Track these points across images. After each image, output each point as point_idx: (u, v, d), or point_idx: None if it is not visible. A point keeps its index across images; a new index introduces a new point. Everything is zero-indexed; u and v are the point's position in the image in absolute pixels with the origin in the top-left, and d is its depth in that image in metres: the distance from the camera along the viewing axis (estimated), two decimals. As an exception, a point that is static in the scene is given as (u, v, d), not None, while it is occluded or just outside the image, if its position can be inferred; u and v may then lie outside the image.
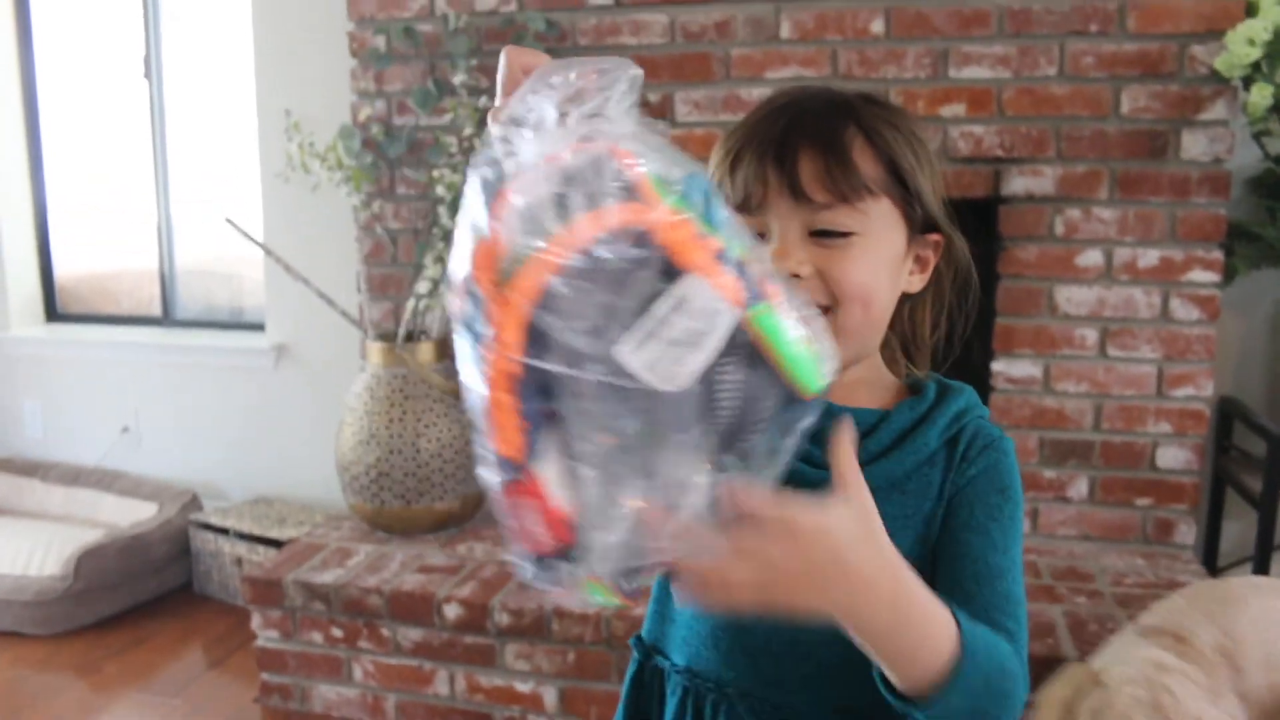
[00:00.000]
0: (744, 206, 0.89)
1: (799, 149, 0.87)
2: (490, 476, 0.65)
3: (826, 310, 0.88)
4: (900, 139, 0.90)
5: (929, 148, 0.94)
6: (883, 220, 0.89)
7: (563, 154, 0.61)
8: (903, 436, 0.93)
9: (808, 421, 0.67)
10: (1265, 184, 2.58)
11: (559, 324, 0.59)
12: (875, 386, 0.97)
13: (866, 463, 0.90)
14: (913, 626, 0.71)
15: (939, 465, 0.92)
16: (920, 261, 0.95)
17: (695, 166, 0.64)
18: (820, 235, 0.88)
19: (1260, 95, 2.30)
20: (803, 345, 0.65)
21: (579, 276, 0.59)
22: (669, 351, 0.61)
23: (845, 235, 0.87)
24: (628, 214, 0.60)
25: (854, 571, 0.68)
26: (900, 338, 1.01)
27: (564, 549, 0.64)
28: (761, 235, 0.89)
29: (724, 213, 0.64)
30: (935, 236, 0.94)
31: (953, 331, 1.03)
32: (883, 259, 0.89)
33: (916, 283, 0.96)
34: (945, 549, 0.89)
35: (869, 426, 0.94)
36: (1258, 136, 2.49)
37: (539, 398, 0.62)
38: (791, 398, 0.66)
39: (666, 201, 0.61)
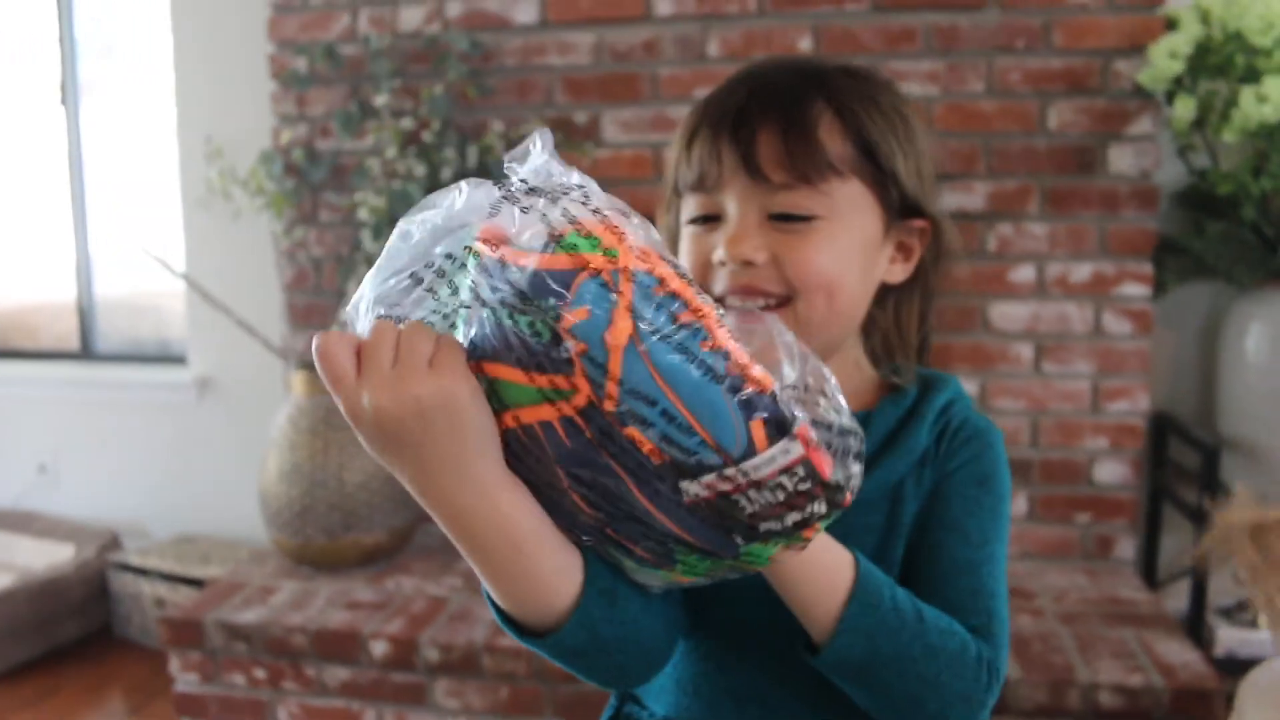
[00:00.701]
0: (699, 186, 0.83)
1: (758, 124, 0.80)
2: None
3: (785, 301, 0.81)
4: (877, 115, 0.82)
5: (915, 126, 0.85)
6: (851, 203, 0.81)
7: None
8: (891, 438, 0.86)
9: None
10: (1191, 198, 2.59)
11: None
12: (853, 385, 0.89)
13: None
14: (790, 579, 0.73)
15: (929, 463, 0.86)
16: (903, 249, 0.87)
17: None
18: (780, 219, 0.80)
19: (1184, 108, 2.30)
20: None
21: None
22: None
23: (807, 219, 0.80)
24: None
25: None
26: (882, 332, 0.92)
27: None
28: (716, 217, 0.83)
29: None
30: (920, 223, 0.86)
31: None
32: (850, 245, 0.81)
33: (899, 272, 0.87)
34: (918, 546, 0.83)
35: None
36: (1182, 151, 2.50)
37: None
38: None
39: None
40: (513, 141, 2.70)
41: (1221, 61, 2.29)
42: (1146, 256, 2.51)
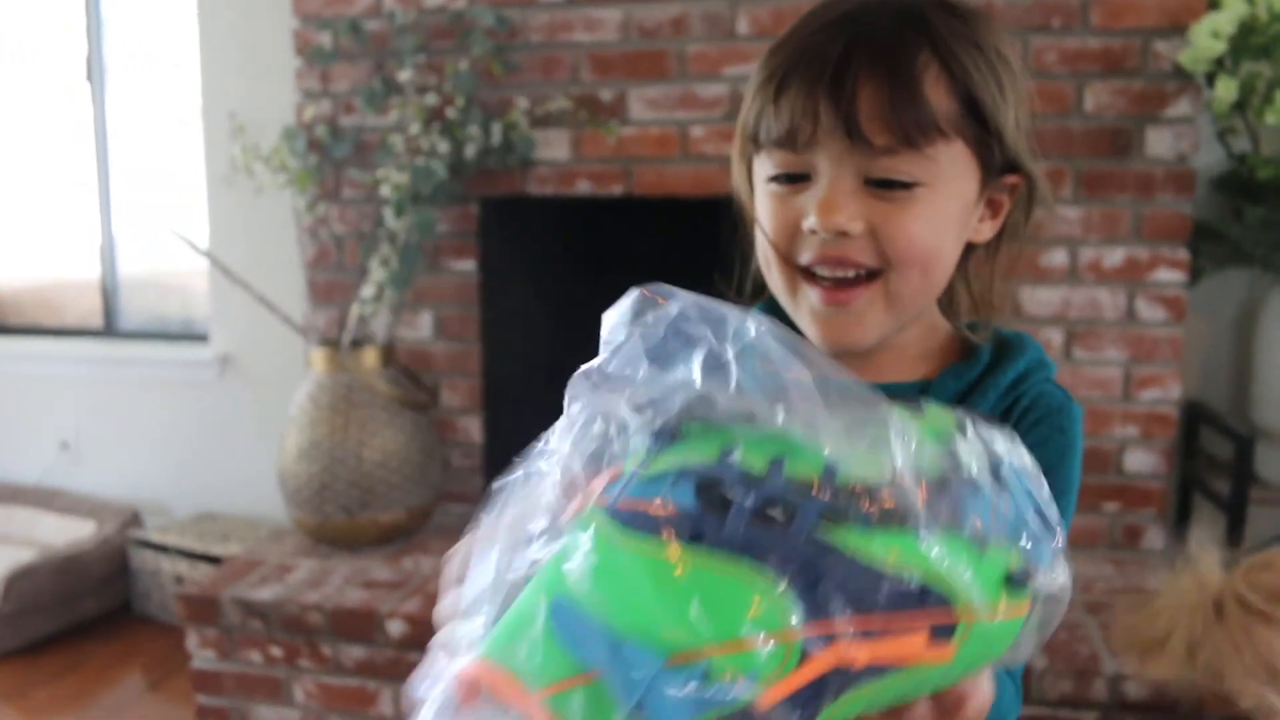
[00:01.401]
0: (788, 142, 0.74)
1: (859, 77, 0.71)
2: None
3: (876, 274, 0.75)
4: (983, 63, 0.74)
5: (1016, 69, 0.77)
6: (954, 167, 0.74)
7: None
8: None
9: None
10: (1230, 183, 2.53)
11: None
12: (923, 350, 0.82)
13: None
14: None
15: None
16: (992, 206, 0.80)
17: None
18: (878, 185, 0.73)
19: (1225, 90, 2.25)
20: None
21: None
22: None
23: (908, 186, 0.72)
24: None
25: None
26: (962, 290, 0.84)
27: None
28: (807, 176, 0.75)
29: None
30: (1013, 178, 0.79)
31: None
32: (950, 213, 0.75)
33: (986, 230, 0.80)
34: None
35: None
36: (1222, 135, 2.45)
37: None
38: None
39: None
40: (537, 118, 2.67)
41: (1266, 42, 2.23)
42: (1182, 242, 2.46)
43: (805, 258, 0.76)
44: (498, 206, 2.77)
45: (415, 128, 2.60)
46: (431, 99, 2.62)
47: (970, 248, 0.81)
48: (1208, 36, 2.23)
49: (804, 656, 0.42)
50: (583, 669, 0.43)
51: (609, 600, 0.44)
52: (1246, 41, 2.24)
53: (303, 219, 2.85)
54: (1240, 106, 2.31)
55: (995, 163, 0.76)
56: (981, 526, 0.48)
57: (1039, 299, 2.51)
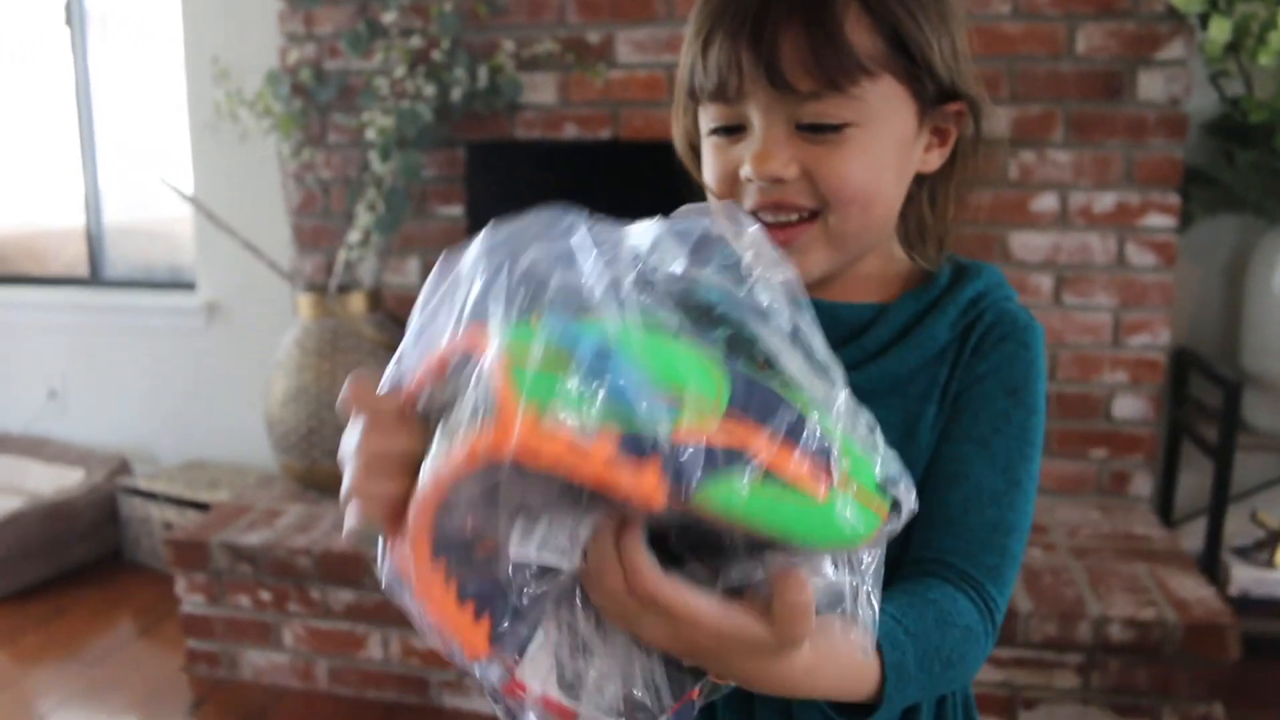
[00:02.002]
0: (719, 95, 0.75)
1: (779, 26, 0.72)
2: (484, 677, 0.55)
3: (815, 215, 0.76)
4: None
5: None
6: (885, 104, 0.74)
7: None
8: (906, 330, 0.80)
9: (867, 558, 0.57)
10: (1223, 127, 2.51)
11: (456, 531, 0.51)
12: (882, 277, 0.83)
13: (862, 362, 0.79)
14: (819, 691, 0.62)
15: (948, 361, 0.79)
16: (939, 134, 0.80)
17: (597, 332, 0.51)
18: (809, 129, 0.73)
19: (1218, 30, 2.22)
20: (811, 506, 0.52)
21: (455, 508, 0.50)
22: (557, 528, 0.52)
23: (838, 128, 0.73)
24: (484, 447, 0.48)
25: (742, 674, 0.57)
26: (917, 219, 0.85)
27: None
28: (741, 128, 0.76)
29: (644, 386, 0.50)
30: (955, 106, 0.79)
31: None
32: (885, 150, 0.75)
33: (935, 159, 0.80)
34: (939, 463, 0.77)
35: (864, 324, 0.81)
36: (1215, 78, 2.42)
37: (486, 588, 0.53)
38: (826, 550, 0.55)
39: (536, 396, 0.48)
40: (524, 61, 2.64)
41: (1259, -19, 2.21)
42: (1173, 187, 2.44)
43: (747, 205, 0.77)
44: (484, 151, 2.74)
45: (400, 71, 2.57)
46: (416, 41, 2.59)
47: (923, 178, 0.82)
48: (1202, -24, 2.20)
49: (718, 427, 0.49)
50: (554, 344, 0.49)
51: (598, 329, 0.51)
52: (1241, -19, 2.22)
53: (288, 164, 2.82)
54: (1234, 48, 2.28)
55: (929, 94, 0.76)
56: (865, 433, 0.56)
57: (1029, 244, 2.50)
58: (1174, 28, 2.37)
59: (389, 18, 2.60)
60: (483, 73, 2.58)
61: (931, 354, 0.80)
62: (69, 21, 3.49)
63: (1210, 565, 2.40)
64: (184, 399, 3.40)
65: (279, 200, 2.93)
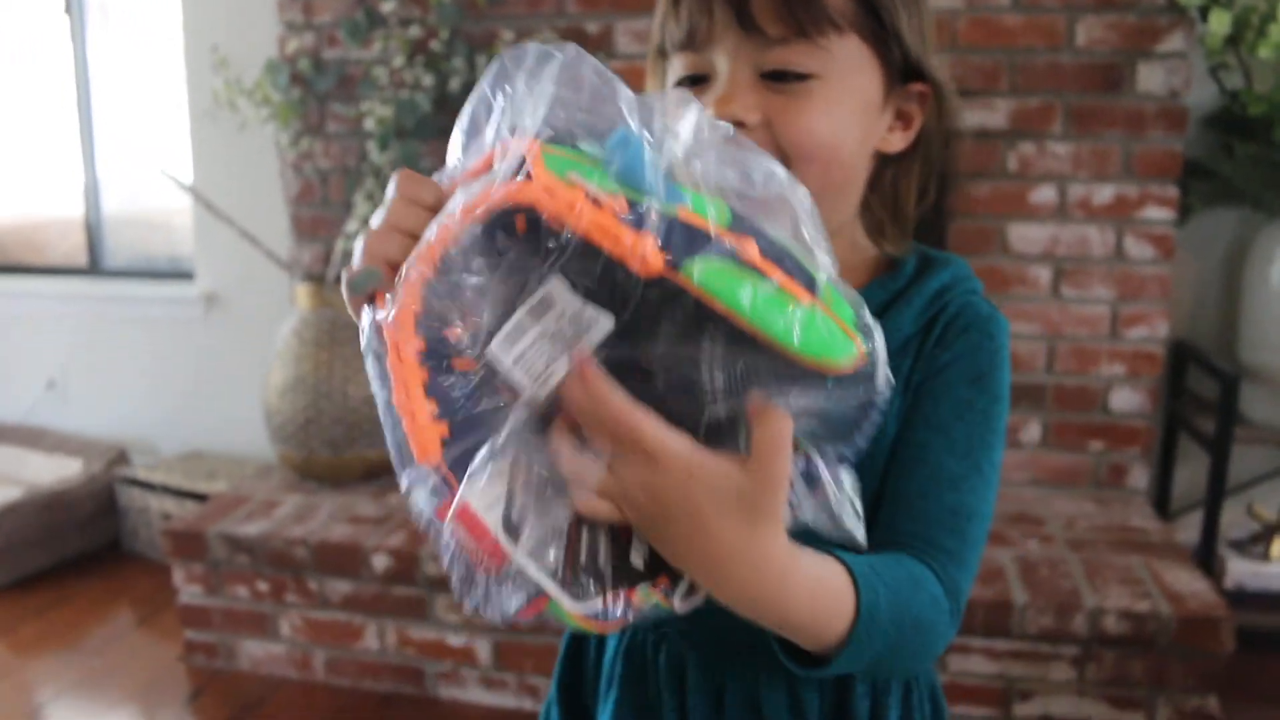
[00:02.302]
0: (688, 43, 0.76)
1: None
2: (418, 497, 0.56)
3: None
4: None
5: None
6: (851, 62, 0.74)
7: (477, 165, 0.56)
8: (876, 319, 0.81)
9: (851, 398, 0.57)
10: (1222, 120, 2.51)
11: (441, 318, 0.53)
12: (846, 265, 0.81)
13: None
14: (790, 609, 0.62)
15: (911, 352, 0.79)
16: (903, 117, 0.80)
17: (625, 130, 0.54)
18: (774, 78, 0.74)
19: (1218, 23, 2.22)
20: (790, 300, 0.53)
21: (455, 266, 0.52)
22: (538, 350, 0.53)
23: (803, 78, 0.73)
24: (507, 191, 0.51)
25: (713, 540, 0.57)
26: (879, 205, 0.85)
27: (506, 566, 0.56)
28: (705, 77, 0.76)
29: (658, 172, 0.54)
30: (920, 87, 0.79)
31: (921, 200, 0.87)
32: (849, 109, 0.75)
33: (897, 141, 0.81)
34: (900, 449, 0.77)
35: None
36: (1214, 71, 2.42)
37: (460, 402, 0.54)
38: (802, 373, 0.54)
39: (559, 171, 0.51)
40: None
41: (1259, -26, 2.20)
42: (1172, 179, 2.44)
43: None
44: (483, 142, 2.73)
45: (399, 60, 2.57)
46: (415, 31, 2.58)
47: (885, 161, 0.82)
48: (1202, -32, 2.19)
49: (715, 229, 0.53)
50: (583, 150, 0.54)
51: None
52: (1241, -27, 2.21)
53: (286, 154, 2.82)
54: (1233, 41, 2.28)
55: (896, 61, 0.77)
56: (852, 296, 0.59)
57: (1027, 236, 2.50)
58: (1174, 20, 2.37)
59: (388, 7, 2.59)
60: (481, 63, 2.57)
61: (896, 345, 0.79)
62: (68, 10, 3.48)
63: (1206, 558, 2.40)
64: (183, 389, 3.40)
65: (277, 190, 2.93)
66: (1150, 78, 2.41)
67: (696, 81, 0.77)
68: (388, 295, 0.54)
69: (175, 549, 2.44)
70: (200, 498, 2.96)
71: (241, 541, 2.38)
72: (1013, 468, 2.60)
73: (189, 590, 2.47)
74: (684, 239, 0.51)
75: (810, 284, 0.54)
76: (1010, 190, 2.49)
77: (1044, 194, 2.48)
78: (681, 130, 0.56)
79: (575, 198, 0.50)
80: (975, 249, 2.52)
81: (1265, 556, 2.44)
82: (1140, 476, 2.57)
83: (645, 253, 0.50)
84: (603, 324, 0.53)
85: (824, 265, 0.57)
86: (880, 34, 0.75)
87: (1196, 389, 2.64)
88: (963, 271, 0.83)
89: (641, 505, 0.56)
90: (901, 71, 0.78)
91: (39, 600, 2.90)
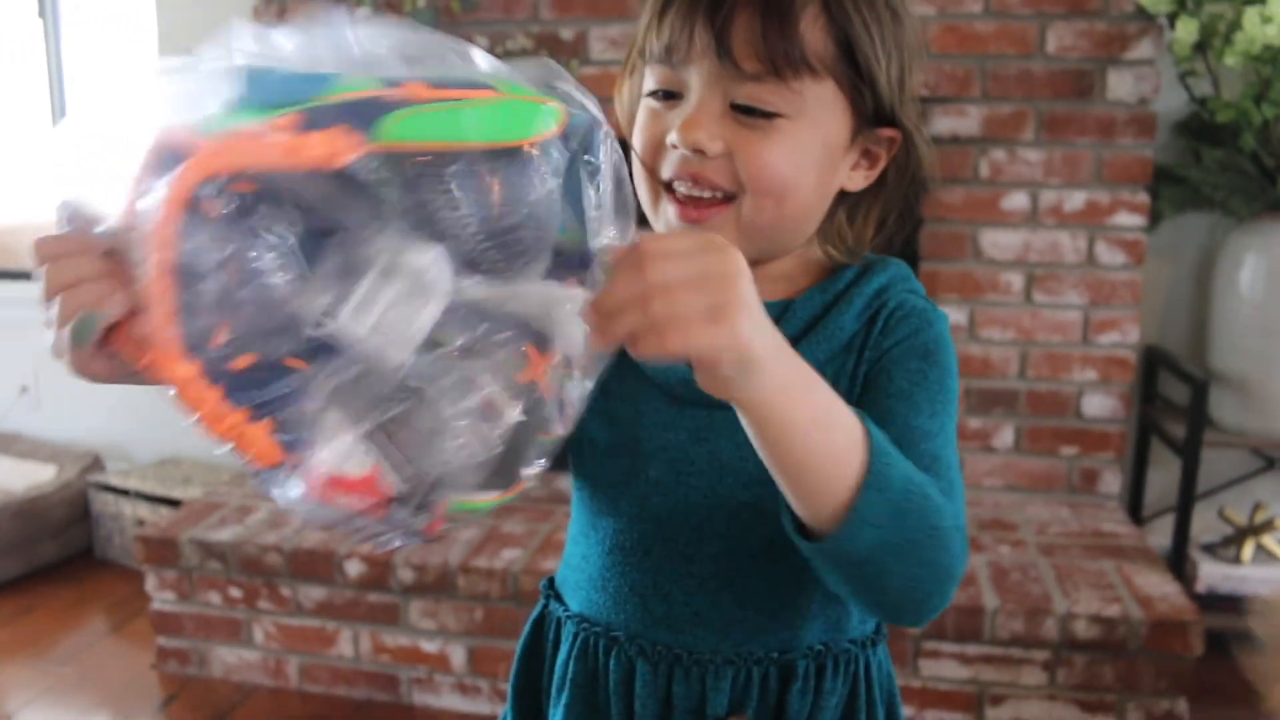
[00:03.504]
0: (666, 57, 0.77)
1: (738, 3, 0.74)
2: (283, 492, 0.55)
3: (730, 198, 0.76)
4: (869, 12, 0.76)
5: (906, 21, 0.79)
6: (821, 105, 0.75)
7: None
8: (813, 323, 0.81)
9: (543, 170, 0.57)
10: (1191, 127, 2.53)
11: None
12: (793, 274, 0.84)
13: None
14: (819, 408, 0.63)
15: (855, 349, 0.80)
16: (869, 156, 0.81)
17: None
18: (743, 111, 0.75)
19: (1185, 30, 2.24)
20: (475, 104, 0.55)
21: (188, 274, 0.51)
22: (397, 311, 0.53)
23: (770, 116, 0.74)
24: (182, 175, 0.50)
25: (752, 300, 0.58)
26: (837, 235, 0.86)
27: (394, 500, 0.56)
28: (679, 96, 0.77)
29: (303, 79, 0.54)
30: (890, 132, 0.79)
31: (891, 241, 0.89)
32: (810, 150, 0.76)
33: (859, 179, 0.82)
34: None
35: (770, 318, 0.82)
36: (1183, 78, 2.44)
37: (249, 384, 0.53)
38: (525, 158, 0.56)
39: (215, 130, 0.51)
40: (497, 56, 2.63)
41: (1226, -18, 2.22)
42: (1142, 186, 2.46)
43: (666, 172, 0.78)
44: (458, 147, 2.73)
45: (373, 66, 2.56)
46: (389, 37, 2.58)
47: (845, 197, 0.83)
48: (1170, -24, 2.21)
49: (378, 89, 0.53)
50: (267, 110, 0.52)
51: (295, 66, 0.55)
52: (1208, -18, 2.23)
53: (260, 159, 2.81)
54: (1201, 48, 2.30)
55: (867, 110, 0.77)
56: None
57: (999, 242, 2.51)
58: (1143, 27, 2.39)
59: (363, 13, 2.59)
60: (456, 69, 2.57)
61: (840, 345, 0.81)
62: (42, 14, 3.46)
63: (1178, 562, 2.42)
64: (157, 395, 3.36)
65: (252, 196, 2.92)
66: (1120, 84, 2.42)
67: (669, 96, 0.78)
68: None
69: (148, 555, 2.43)
70: (174, 503, 2.95)
71: (215, 548, 2.37)
72: (986, 473, 2.62)
73: (162, 597, 2.46)
74: (358, 115, 0.51)
75: (486, 86, 0.56)
76: (982, 196, 2.50)
77: (1016, 200, 2.49)
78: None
79: (243, 142, 0.50)
80: (948, 255, 2.53)
81: (1236, 560, 2.46)
82: (1113, 481, 2.59)
83: (339, 147, 0.51)
84: (433, 252, 0.53)
85: (495, 72, 0.58)
86: (855, 81, 0.76)
87: (1168, 394, 2.66)
88: (902, 272, 0.84)
89: (675, 281, 0.56)
90: (874, 114, 0.78)
91: (11, 607, 2.88)
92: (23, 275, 3.66)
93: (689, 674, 0.83)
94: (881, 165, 0.82)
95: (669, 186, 0.79)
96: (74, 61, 3.50)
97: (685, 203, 0.78)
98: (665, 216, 0.80)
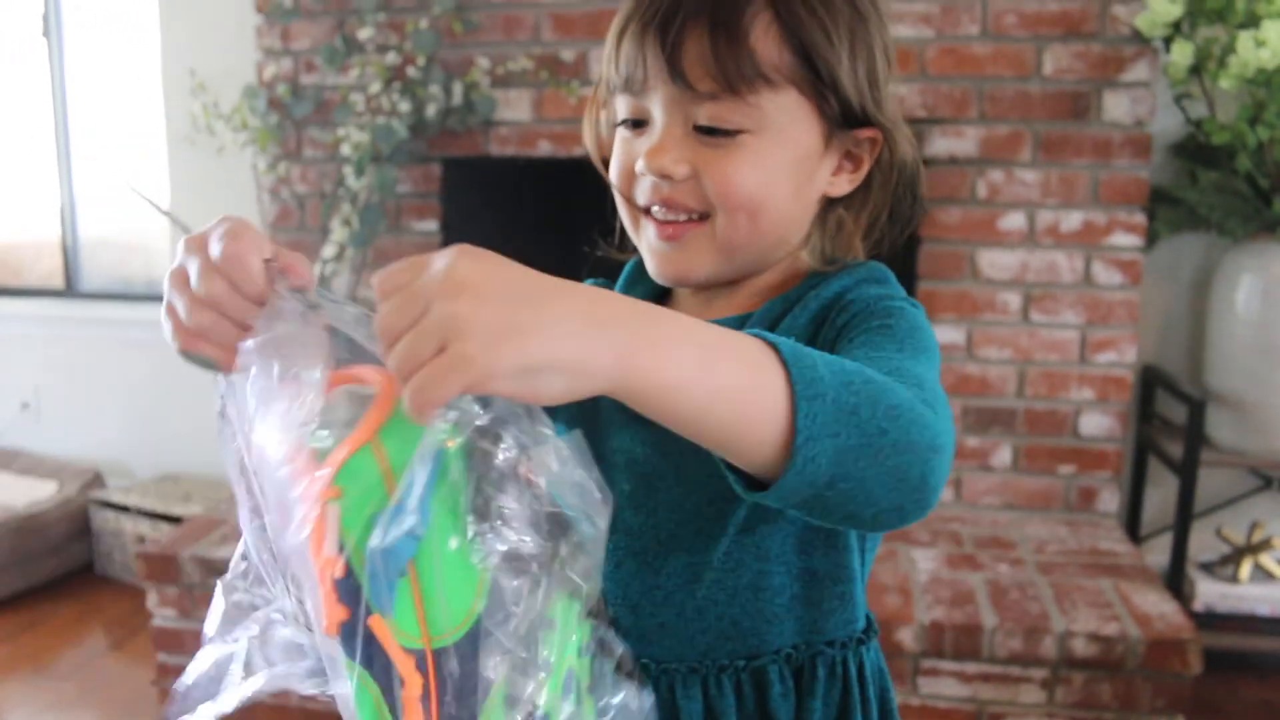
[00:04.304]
0: (626, 88, 0.77)
1: (686, 24, 0.73)
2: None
3: (704, 218, 0.77)
4: (823, 13, 0.74)
5: (871, 21, 0.77)
6: (786, 116, 0.75)
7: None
8: (768, 330, 0.78)
9: None
10: (1187, 148, 2.55)
11: None
12: (782, 286, 0.83)
13: None
14: (707, 348, 0.54)
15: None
16: (852, 159, 0.80)
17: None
18: (705, 131, 0.74)
19: (1181, 54, 2.26)
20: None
21: None
22: None
23: (732, 134, 0.74)
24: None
25: (584, 296, 0.51)
26: (827, 244, 0.84)
27: None
28: (646, 123, 0.77)
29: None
30: (870, 132, 0.78)
31: (886, 244, 0.86)
32: (779, 162, 0.75)
33: (844, 184, 0.80)
34: None
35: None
36: (1179, 100, 2.46)
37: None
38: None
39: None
40: (498, 78, 2.66)
41: (1221, 5, 2.24)
42: (1138, 206, 2.48)
43: (641, 199, 0.79)
44: (459, 166, 2.75)
45: (376, 86, 2.59)
46: (392, 58, 2.60)
47: (835, 202, 0.82)
48: (1164, 0, 2.23)
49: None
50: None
51: None
52: (1202, 6, 2.26)
53: (264, 178, 2.83)
54: (1196, 71, 2.32)
55: (835, 114, 0.76)
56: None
57: (997, 262, 2.53)
58: (1138, 50, 2.41)
59: (365, 34, 2.61)
60: (458, 89, 2.60)
61: None
62: (46, 33, 3.49)
63: (1176, 580, 2.43)
64: (158, 411, 3.39)
65: (255, 214, 2.94)
66: (1116, 106, 2.45)
67: (637, 124, 0.79)
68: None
69: (149, 572, 2.43)
70: (175, 520, 2.96)
71: (216, 564, 2.38)
72: (984, 492, 2.63)
73: (163, 613, 2.46)
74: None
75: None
76: (980, 217, 2.52)
77: (1013, 220, 2.51)
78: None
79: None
80: (945, 274, 2.55)
81: (1234, 579, 2.47)
82: (1110, 500, 2.60)
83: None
84: None
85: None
86: (818, 87, 0.75)
87: (1165, 413, 2.67)
88: (875, 274, 0.81)
89: (498, 283, 0.49)
90: (846, 117, 0.77)
91: (11, 624, 2.88)
92: (26, 293, 3.68)
93: (658, 684, 0.82)
94: (866, 167, 0.81)
95: (646, 209, 0.80)
96: (78, 81, 3.53)
97: (662, 223, 0.79)
98: (646, 237, 0.81)
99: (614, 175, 0.81)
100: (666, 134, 0.76)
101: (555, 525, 0.54)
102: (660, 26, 0.74)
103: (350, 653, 0.52)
